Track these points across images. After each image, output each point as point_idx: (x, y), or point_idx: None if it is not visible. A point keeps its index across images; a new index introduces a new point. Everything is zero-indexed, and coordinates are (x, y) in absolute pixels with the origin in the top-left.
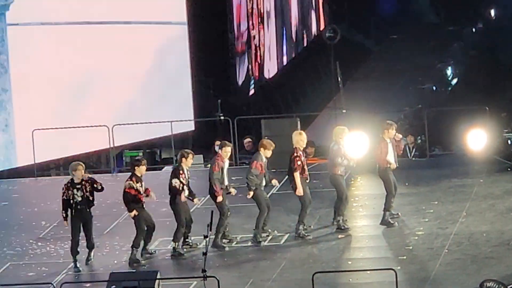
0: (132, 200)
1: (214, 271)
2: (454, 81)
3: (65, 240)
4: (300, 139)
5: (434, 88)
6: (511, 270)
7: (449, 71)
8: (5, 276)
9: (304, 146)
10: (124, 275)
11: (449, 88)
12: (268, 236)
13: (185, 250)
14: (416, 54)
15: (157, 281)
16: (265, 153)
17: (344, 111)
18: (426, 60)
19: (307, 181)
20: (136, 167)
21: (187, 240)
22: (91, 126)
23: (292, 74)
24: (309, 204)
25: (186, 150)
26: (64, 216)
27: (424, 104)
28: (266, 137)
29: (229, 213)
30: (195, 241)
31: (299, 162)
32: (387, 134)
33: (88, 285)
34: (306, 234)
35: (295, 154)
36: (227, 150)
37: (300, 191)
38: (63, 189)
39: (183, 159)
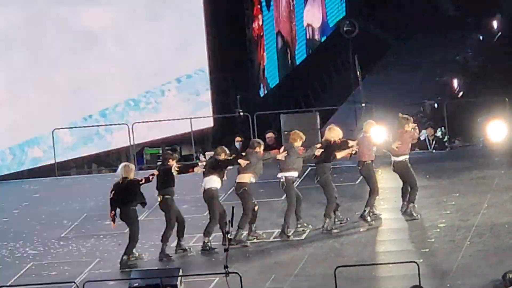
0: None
1: (236, 267)
2: (473, 73)
3: (87, 239)
4: (331, 134)
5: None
6: None
7: (468, 63)
8: (28, 276)
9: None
10: (146, 273)
11: (468, 80)
12: (303, 230)
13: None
14: (434, 46)
15: (179, 278)
16: (299, 144)
17: (363, 104)
18: (445, 52)
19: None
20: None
21: (181, 242)
22: (111, 125)
23: (311, 68)
24: (334, 199)
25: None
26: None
27: (443, 96)
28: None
29: (256, 207)
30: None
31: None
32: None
33: (111, 283)
34: (333, 228)
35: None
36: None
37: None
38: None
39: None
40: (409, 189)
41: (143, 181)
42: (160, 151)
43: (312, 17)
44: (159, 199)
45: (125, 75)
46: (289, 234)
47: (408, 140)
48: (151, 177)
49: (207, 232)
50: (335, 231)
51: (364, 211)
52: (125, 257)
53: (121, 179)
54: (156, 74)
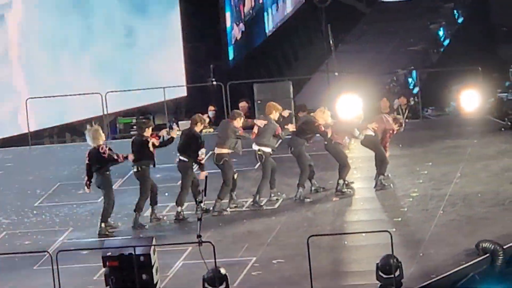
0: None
1: (209, 236)
2: (446, 42)
3: (61, 208)
4: (321, 115)
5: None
6: (506, 230)
7: (441, 32)
8: (1, 245)
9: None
10: (120, 242)
11: (441, 49)
12: (277, 199)
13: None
14: (407, 15)
15: (152, 247)
16: (275, 116)
17: (336, 74)
18: (418, 22)
19: (307, 144)
20: (141, 130)
21: (155, 211)
22: (84, 94)
23: (284, 37)
24: (308, 169)
25: None
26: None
27: (416, 65)
28: (258, 101)
29: (236, 175)
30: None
31: (321, 127)
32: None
33: (84, 252)
34: (306, 197)
35: (318, 123)
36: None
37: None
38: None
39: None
40: (378, 162)
41: (120, 159)
42: (134, 121)
43: None
44: (134, 169)
45: (97, 45)
46: (261, 204)
47: (384, 127)
48: (129, 158)
49: (179, 202)
50: (308, 200)
51: (338, 184)
52: (102, 225)
53: (93, 147)
54: (128, 44)
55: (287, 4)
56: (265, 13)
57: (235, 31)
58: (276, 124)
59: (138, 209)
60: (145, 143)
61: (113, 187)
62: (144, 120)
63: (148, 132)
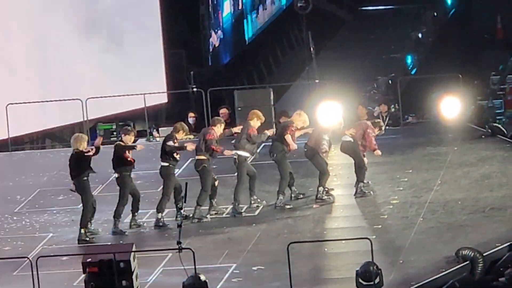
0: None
1: (189, 242)
2: (427, 49)
3: (41, 214)
4: (298, 118)
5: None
6: (486, 238)
7: (421, 39)
8: None
9: (300, 126)
10: (100, 248)
11: (422, 56)
12: (257, 206)
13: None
14: (388, 23)
15: (132, 253)
16: (256, 124)
17: (317, 81)
18: (399, 29)
19: (287, 154)
20: (123, 136)
21: (135, 218)
22: (65, 100)
23: (265, 44)
24: (288, 176)
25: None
26: None
27: (397, 72)
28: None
29: (216, 182)
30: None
31: (293, 129)
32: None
33: (64, 258)
34: (286, 204)
35: (292, 126)
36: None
37: (293, 146)
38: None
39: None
40: (357, 169)
41: (90, 152)
42: (114, 127)
43: None
44: (116, 175)
45: (78, 50)
46: (241, 211)
47: (362, 133)
48: (96, 148)
49: (160, 208)
50: (288, 207)
51: (318, 191)
52: (82, 231)
53: (73, 150)
54: (109, 50)
55: (267, 11)
56: (245, 20)
57: (213, 39)
58: (251, 125)
59: (117, 215)
60: (122, 150)
61: (94, 193)
62: (126, 127)
63: (129, 138)
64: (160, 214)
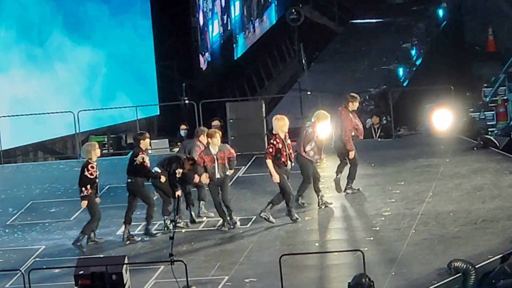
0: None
1: (181, 255)
2: (419, 61)
3: (33, 227)
4: (278, 124)
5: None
6: (478, 250)
7: (413, 51)
8: None
9: (286, 130)
10: (92, 261)
11: (414, 68)
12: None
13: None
14: (380, 35)
15: (124, 266)
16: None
17: (309, 93)
18: (390, 41)
19: (286, 167)
20: (141, 141)
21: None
22: (57, 112)
23: (257, 56)
24: (290, 192)
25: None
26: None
27: (389, 84)
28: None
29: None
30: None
31: (270, 150)
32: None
33: (56, 270)
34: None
35: (271, 141)
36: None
37: (275, 178)
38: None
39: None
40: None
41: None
42: (106, 139)
43: None
44: (129, 180)
45: (70, 62)
46: (230, 224)
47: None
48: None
49: (148, 217)
50: (274, 220)
51: (297, 199)
52: (81, 236)
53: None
54: (101, 62)
55: (257, 33)
56: (234, 40)
57: (200, 62)
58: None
59: (149, 218)
60: (135, 156)
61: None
62: (141, 131)
63: (147, 143)
64: (148, 224)
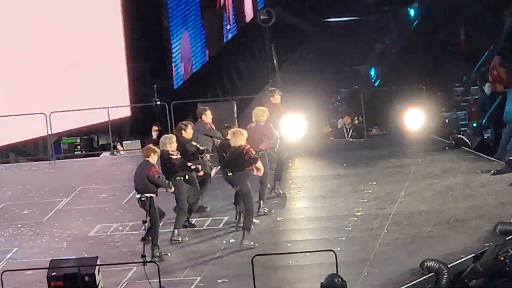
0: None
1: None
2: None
3: (5, 228)
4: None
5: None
6: (451, 249)
7: (384, 51)
8: None
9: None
10: (64, 262)
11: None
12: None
13: None
14: (352, 35)
15: (97, 267)
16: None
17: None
18: (362, 41)
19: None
20: (183, 131)
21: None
22: (28, 114)
23: (229, 57)
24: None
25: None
26: None
27: (361, 84)
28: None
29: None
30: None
31: (254, 152)
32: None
33: (28, 272)
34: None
35: (246, 148)
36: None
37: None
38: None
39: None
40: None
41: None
42: (78, 141)
43: None
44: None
45: (40, 64)
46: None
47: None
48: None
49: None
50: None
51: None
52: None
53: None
54: (72, 63)
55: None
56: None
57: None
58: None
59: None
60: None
61: (59, 206)
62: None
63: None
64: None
